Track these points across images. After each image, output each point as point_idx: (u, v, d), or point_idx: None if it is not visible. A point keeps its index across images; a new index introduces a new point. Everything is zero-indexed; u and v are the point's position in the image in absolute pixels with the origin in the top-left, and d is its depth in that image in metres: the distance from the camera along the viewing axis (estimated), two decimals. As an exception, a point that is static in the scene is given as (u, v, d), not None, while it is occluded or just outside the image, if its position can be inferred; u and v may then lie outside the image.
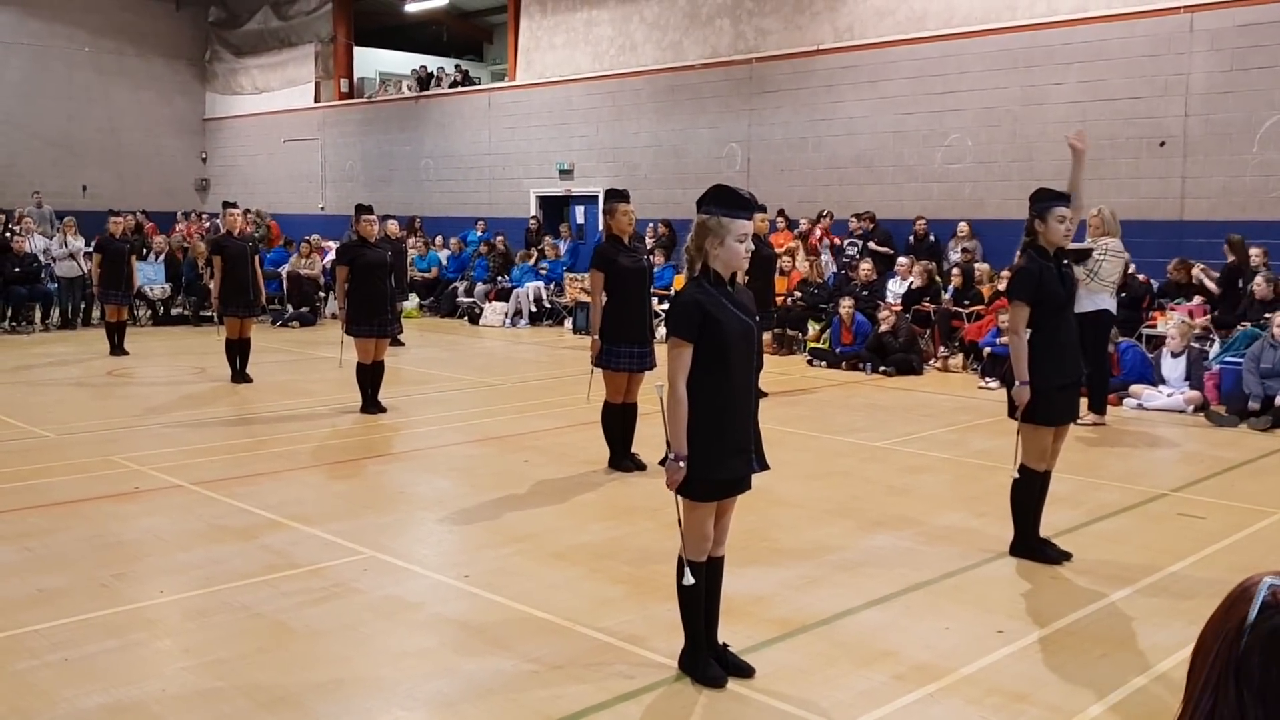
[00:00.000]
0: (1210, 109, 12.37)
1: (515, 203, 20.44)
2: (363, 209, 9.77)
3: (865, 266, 13.95)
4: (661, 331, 4.57)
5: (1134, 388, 10.22)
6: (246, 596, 4.87)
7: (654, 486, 5.98)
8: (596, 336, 7.17)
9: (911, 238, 14.38)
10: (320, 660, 4.20)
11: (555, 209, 20.24)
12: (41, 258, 16.67)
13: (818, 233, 15.26)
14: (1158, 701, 3.88)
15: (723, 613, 4.12)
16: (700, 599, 3.94)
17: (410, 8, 22.54)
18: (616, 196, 7.41)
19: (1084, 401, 8.83)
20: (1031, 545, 5.49)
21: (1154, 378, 10.33)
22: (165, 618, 4.70)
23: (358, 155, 23.59)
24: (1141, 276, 11.97)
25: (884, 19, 15.21)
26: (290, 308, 17.39)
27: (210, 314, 14.74)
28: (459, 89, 22.20)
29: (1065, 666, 4.16)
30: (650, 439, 7.15)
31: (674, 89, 17.78)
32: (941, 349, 12.68)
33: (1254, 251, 11.27)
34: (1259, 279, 10.76)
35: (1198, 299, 11.57)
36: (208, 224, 21.57)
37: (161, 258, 17.69)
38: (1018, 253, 5.67)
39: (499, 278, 18.26)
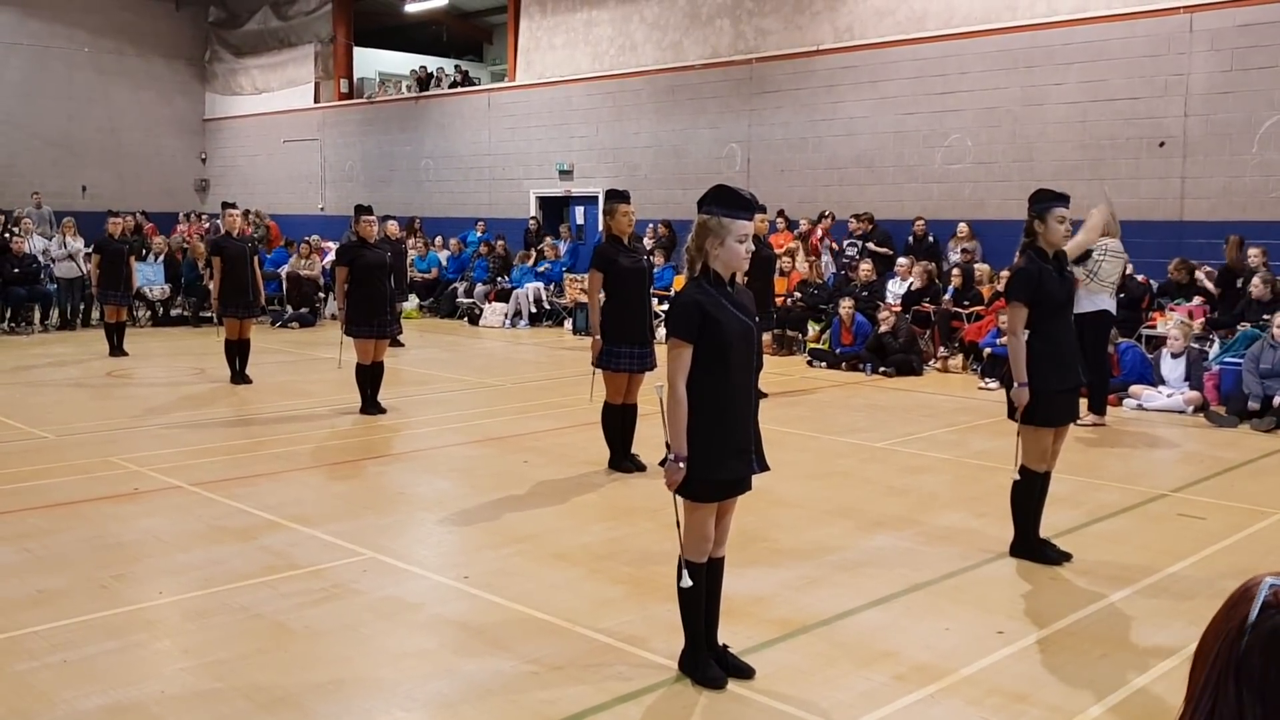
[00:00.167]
0: (1210, 109, 12.37)
1: (515, 203, 20.44)
2: (362, 209, 9.77)
3: (865, 267, 13.95)
4: (661, 332, 4.56)
5: (1134, 388, 10.22)
6: (246, 597, 4.86)
7: (654, 487, 5.98)
8: (598, 336, 7.17)
9: (910, 238, 14.38)
10: (320, 661, 4.20)
11: (555, 209, 20.24)
12: (41, 258, 16.67)
13: (819, 232, 15.26)
14: (1158, 702, 3.88)
15: (723, 613, 4.12)
16: (700, 600, 3.94)
17: (410, 8, 22.53)
18: (616, 197, 7.41)
19: (1084, 402, 8.83)
20: (1032, 546, 5.49)
21: (1154, 378, 10.32)
22: (165, 619, 4.69)
23: (357, 156, 23.58)
24: (1141, 277, 11.97)
25: (884, 19, 15.21)
26: (290, 308, 17.39)
27: (210, 315, 14.74)
28: (459, 89, 22.20)
29: (1065, 667, 4.16)
30: (650, 439, 7.15)
31: (674, 89, 17.78)
32: (941, 349, 12.68)
33: (1252, 252, 11.27)
34: (1256, 280, 10.76)
35: (1197, 299, 11.57)
36: (207, 225, 21.57)
37: (161, 258, 17.68)
38: (1017, 253, 5.67)
39: (499, 278, 18.26)
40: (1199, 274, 11.67)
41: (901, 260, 14.07)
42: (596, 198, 17.68)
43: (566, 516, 6.31)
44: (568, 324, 16.65)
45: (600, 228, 9.00)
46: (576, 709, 3.77)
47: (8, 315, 15.97)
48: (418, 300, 18.79)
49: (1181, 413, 9.80)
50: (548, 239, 18.58)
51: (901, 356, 12.14)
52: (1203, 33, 12.38)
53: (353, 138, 23.71)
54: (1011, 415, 5.45)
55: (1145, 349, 11.04)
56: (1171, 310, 11.44)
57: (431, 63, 24.40)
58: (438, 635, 4.49)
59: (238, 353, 11.14)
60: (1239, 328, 10.52)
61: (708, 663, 3.98)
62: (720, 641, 4.07)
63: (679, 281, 13.50)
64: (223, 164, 26.97)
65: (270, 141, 25.56)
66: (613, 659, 4.21)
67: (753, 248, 3.96)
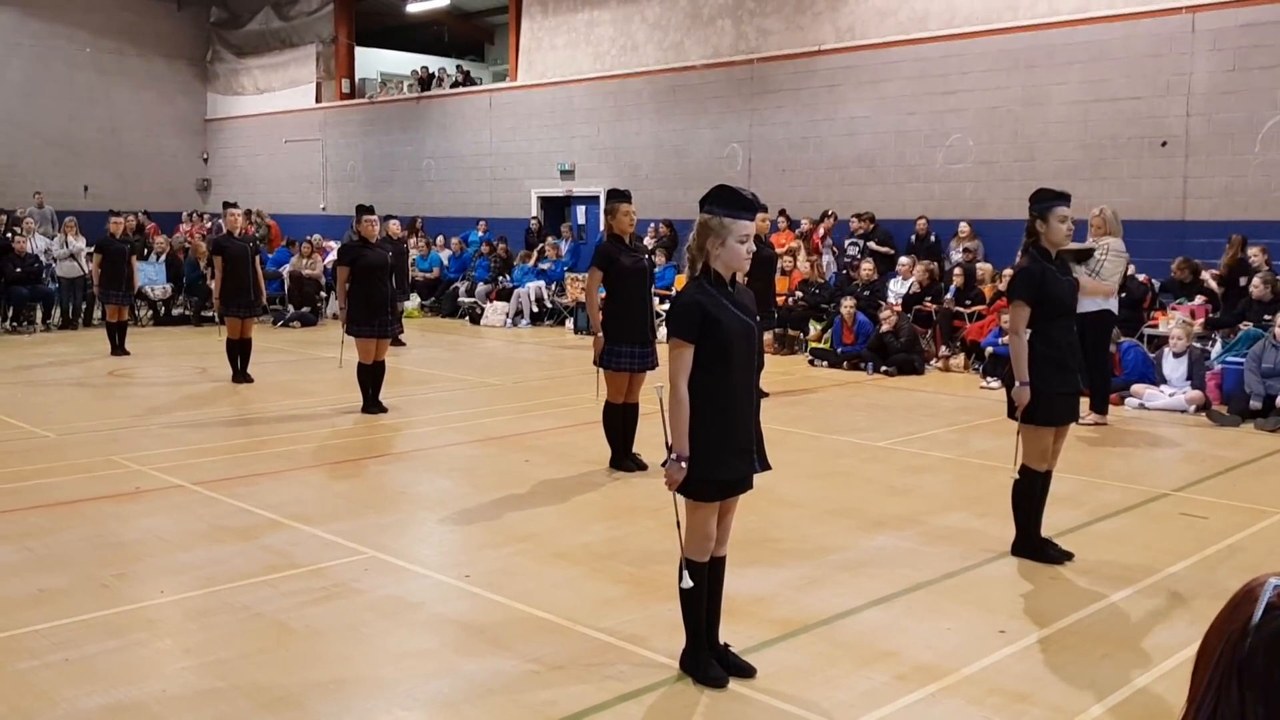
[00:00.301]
0: (1212, 109, 12.36)
1: (516, 203, 20.45)
2: (364, 209, 9.77)
3: (866, 266, 13.94)
4: (662, 332, 4.56)
5: (1135, 387, 10.22)
6: (247, 596, 4.86)
7: (655, 486, 5.97)
8: (600, 334, 7.17)
9: (913, 237, 14.37)
10: (321, 660, 4.19)
11: (556, 209, 20.24)
12: (42, 258, 16.68)
13: (821, 231, 15.25)
14: (1159, 702, 3.88)
15: (724, 613, 4.12)
16: (702, 599, 3.94)
17: (411, 8, 22.53)
18: (618, 197, 7.42)
19: (1085, 401, 8.81)
20: (1033, 545, 5.48)
21: (1155, 377, 10.32)
22: (166, 618, 4.69)
23: (359, 156, 23.59)
24: (1142, 277, 11.95)
25: (885, 19, 15.20)
26: (291, 308, 17.39)
27: (211, 314, 14.74)
28: (460, 89, 22.21)
29: (1067, 667, 4.16)
30: (651, 439, 7.14)
31: (675, 89, 17.77)
32: (943, 349, 12.68)
33: (1252, 251, 11.26)
34: (1256, 280, 10.75)
35: (1199, 299, 11.56)
36: (209, 224, 21.58)
37: (162, 258, 17.69)
38: (1019, 253, 5.66)
39: (500, 278, 18.26)
40: (1205, 275, 11.66)
41: (903, 260, 14.06)
42: (598, 197, 17.68)
43: (567, 516, 6.31)
44: (569, 323, 16.65)
45: (602, 227, 8.99)
46: (577, 708, 3.77)
47: (10, 315, 15.99)
48: (419, 300, 18.79)
49: (1183, 412, 9.79)
50: (549, 239, 18.58)
51: (903, 356, 12.13)
52: (1205, 32, 12.37)
53: (354, 138, 23.71)
54: (1012, 414, 5.45)
55: (1147, 348, 11.03)
56: (1173, 310, 11.44)
57: (433, 63, 24.42)
58: (439, 634, 4.49)
59: (239, 352, 11.15)
60: (1240, 327, 10.51)
61: (709, 662, 3.98)
62: (721, 641, 4.07)
63: (680, 281, 13.49)
64: (224, 164, 26.98)
65: (272, 141, 25.57)
66: (614, 658, 4.21)
67: (754, 248, 3.96)
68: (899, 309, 12.84)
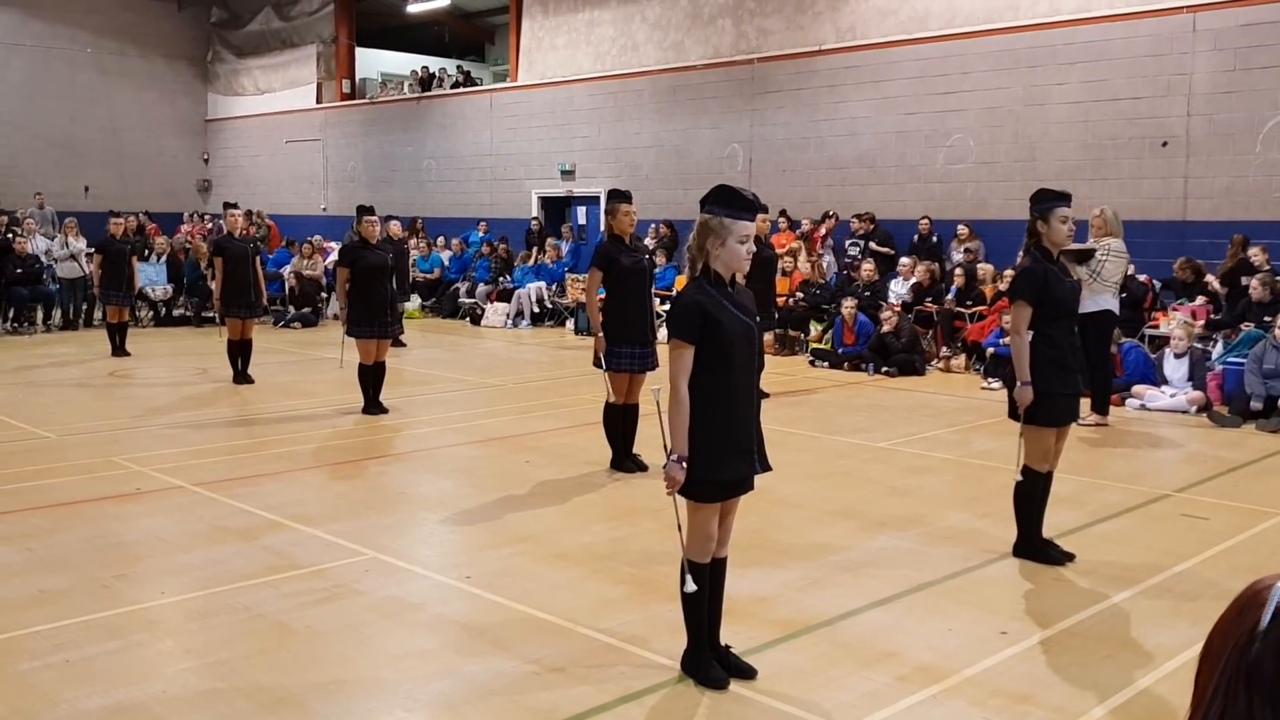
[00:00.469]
0: (1213, 109, 12.35)
1: (517, 203, 20.44)
2: (364, 210, 9.77)
3: (867, 267, 13.94)
4: (663, 333, 4.55)
5: (1136, 388, 10.21)
6: (248, 597, 4.86)
7: (656, 487, 5.96)
8: (600, 334, 7.17)
9: (916, 237, 14.37)
10: (321, 661, 4.19)
11: (557, 210, 20.24)
12: (43, 259, 16.68)
13: (822, 231, 15.25)
14: (1161, 703, 3.87)
15: (725, 614, 4.12)
16: (703, 600, 3.93)
17: (412, 8, 22.53)
18: (619, 197, 7.42)
19: (1086, 402, 8.80)
20: (1035, 546, 5.48)
21: (1156, 378, 10.31)
22: (166, 619, 4.69)
23: (359, 156, 23.59)
24: (1143, 277, 11.95)
25: (886, 19, 15.19)
26: (292, 308, 17.39)
27: (212, 315, 14.74)
28: (461, 90, 22.20)
29: (1069, 668, 4.15)
30: (652, 440, 7.12)
31: (676, 89, 17.77)
32: (944, 349, 12.67)
33: (1254, 251, 11.26)
34: (1255, 281, 10.74)
35: (1200, 299, 11.55)
36: (210, 225, 21.58)
37: (163, 259, 17.69)
38: (1020, 253, 5.65)
39: (501, 278, 18.26)
40: (1209, 276, 11.64)
41: (904, 260, 14.06)
42: (598, 198, 17.66)
43: (568, 516, 6.30)
44: (569, 324, 16.65)
45: (602, 228, 8.99)
46: (578, 709, 3.76)
47: (10, 315, 15.99)
48: (420, 300, 18.79)
49: (1185, 413, 9.79)
50: (550, 240, 18.58)
51: (904, 356, 12.13)
52: (1206, 32, 12.36)
53: (355, 138, 23.71)
54: (1013, 415, 5.44)
55: (1148, 349, 11.03)
56: (1174, 310, 11.43)
57: (433, 63, 24.40)
58: (439, 635, 4.49)
59: (240, 353, 11.15)
60: (1241, 328, 10.51)
61: (710, 663, 3.97)
62: (723, 642, 4.07)
63: (680, 281, 13.49)
64: (225, 164, 26.99)
65: (272, 142, 25.58)
66: (615, 659, 4.21)
67: (754, 249, 3.95)
68: (900, 309, 12.83)
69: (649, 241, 15.70)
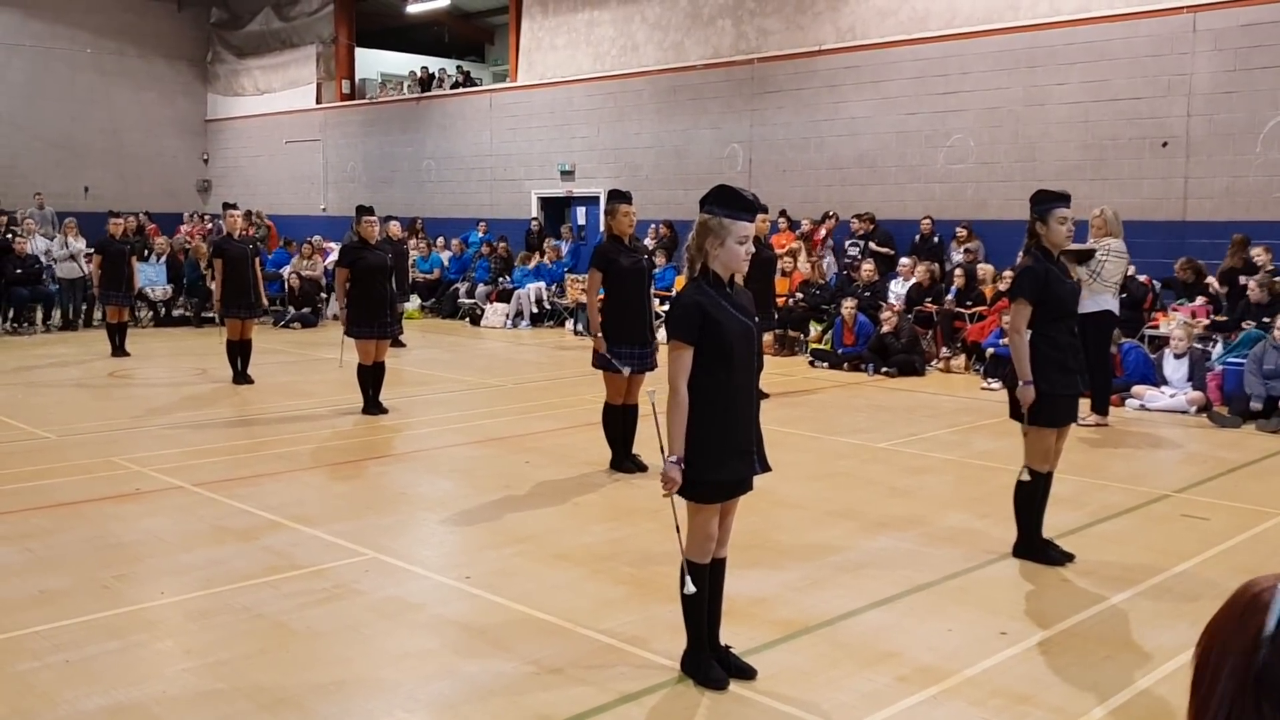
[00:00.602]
0: (1213, 109, 12.35)
1: (517, 204, 20.44)
2: (364, 210, 9.78)
3: (867, 267, 13.94)
4: (662, 334, 4.55)
5: (1136, 388, 10.21)
6: (248, 598, 4.86)
7: (655, 488, 5.92)
8: (599, 335, 7.16)
9: (917, 237, 14.36)
10: (321, 661, 4.19)
11: (557, 210, 20.24)
12: (43, 259, 16.68)
13: (822, 232, 15.25)
14: (1161, 704, 3.87)
15: (725, 614, 4.11)
16: (703, 601, 3.93)
17: (412, 9, 22.53)
18: (618, 197, 7.42)
19: (1086, 402, 8.81)
20: (1035, 546, 5.48)
21: (1156, 379, 10.31)
22: (166, 619, 4.69)
23: (359, 156, 23.59)
24: (1143, 278, 11.95)
25: (886, 19, 15.19)
26: (292, 309, 17.39)
27: (212, 315, 14.74)
28: (460, 90, 22.20)
29: (1069, 668, 4.15)
30: (652, 440, 7.12)
31: (675, 89, 17.77)
32: (944, 350, 12.67)
33: (1256, 251, 11.25)
34: (1252, 282, 10.74)
35: (1200, 299, 11.55)
36: (210, 225, 21.58)
37: (163, 259, 17.69)
38: (1020, 254, 5.65)
39: (500, 279, 18.26)
40: (1209, 277, 11.64)
41: (904, 260, 14.06)
42: (598, 198, 17.68)
43: (568, 517, 6.30)
44: (569, 324, 16.65)
45: (602, 228, 8.98)
46: (578, 710, 3.76)
47: (10, 316, 15.99)
48: (419, 301, 18.79)
49: (1184, 413, 9.79)
50: (549, 240, 18.58)
51: (904, 357, 12.13)
52: (1206, 32, 12.36)
53: (354, 138, 23.71)
54: (1014, 415, 5.44)
55: (1148, 349, 11.02)
56: (1174, 311, 11.43)
57: (433, 63, 24.39)
58: (439, 636, 4.48)
59: (239, 353, 11.15)
60: (1242, 328, 10.51)
61: (710, 663, 3.97)
62: (723, 642, 4.07)
63: (680, 282, 13.49)
64: (225, 165, 26.98)
65: (272, 142, 25.57)
66: (614, 660, 4.21)
67: (753, 249, 3.95)
68: (900, 310, 12.83)
69: (649, 242, 15.70)
